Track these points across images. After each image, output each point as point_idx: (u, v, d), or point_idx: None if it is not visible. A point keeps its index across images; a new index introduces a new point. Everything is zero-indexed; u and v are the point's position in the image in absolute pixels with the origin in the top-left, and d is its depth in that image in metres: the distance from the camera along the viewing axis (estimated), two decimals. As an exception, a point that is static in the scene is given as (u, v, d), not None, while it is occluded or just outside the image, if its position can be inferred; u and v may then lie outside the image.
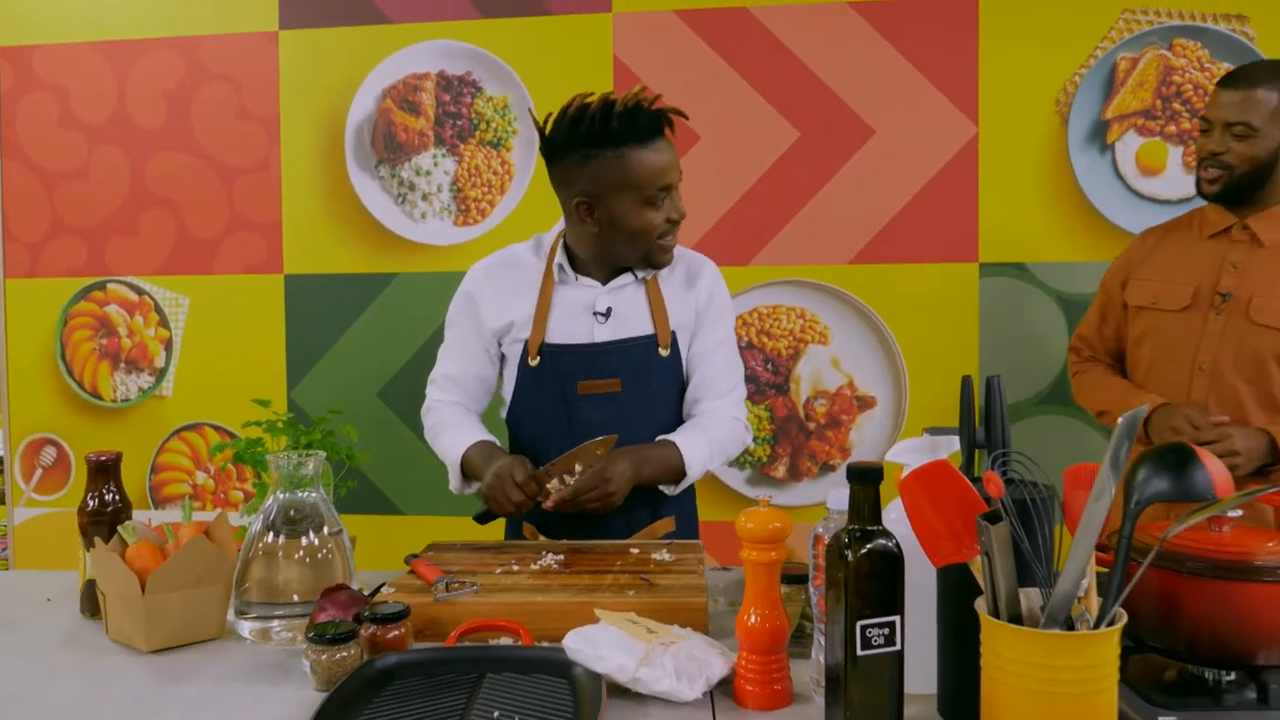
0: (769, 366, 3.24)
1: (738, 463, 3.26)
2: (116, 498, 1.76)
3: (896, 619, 1.17)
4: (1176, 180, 3.06)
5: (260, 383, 3.34)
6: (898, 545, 1.18)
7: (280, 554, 1.65)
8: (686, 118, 2.08)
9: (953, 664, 1.27)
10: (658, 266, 2.12)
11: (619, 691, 1.37)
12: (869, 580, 1.16)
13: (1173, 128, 3.05)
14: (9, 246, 3.49)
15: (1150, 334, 2.41)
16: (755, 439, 3.23)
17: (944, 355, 3.14)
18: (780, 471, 3.25)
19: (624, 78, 3.22)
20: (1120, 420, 1.07)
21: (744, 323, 3.24)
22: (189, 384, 3.45)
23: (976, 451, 1.39)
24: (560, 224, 2.17)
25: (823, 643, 1.26)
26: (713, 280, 2.21)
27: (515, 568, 1.80)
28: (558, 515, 1.99)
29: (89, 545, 1.70)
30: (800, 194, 3.20)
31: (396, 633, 1.48)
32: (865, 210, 3.18)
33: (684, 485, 2.14)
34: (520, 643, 1.54)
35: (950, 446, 1.41)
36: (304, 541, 1.66)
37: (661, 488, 2.12)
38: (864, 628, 1.16)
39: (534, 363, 2.10)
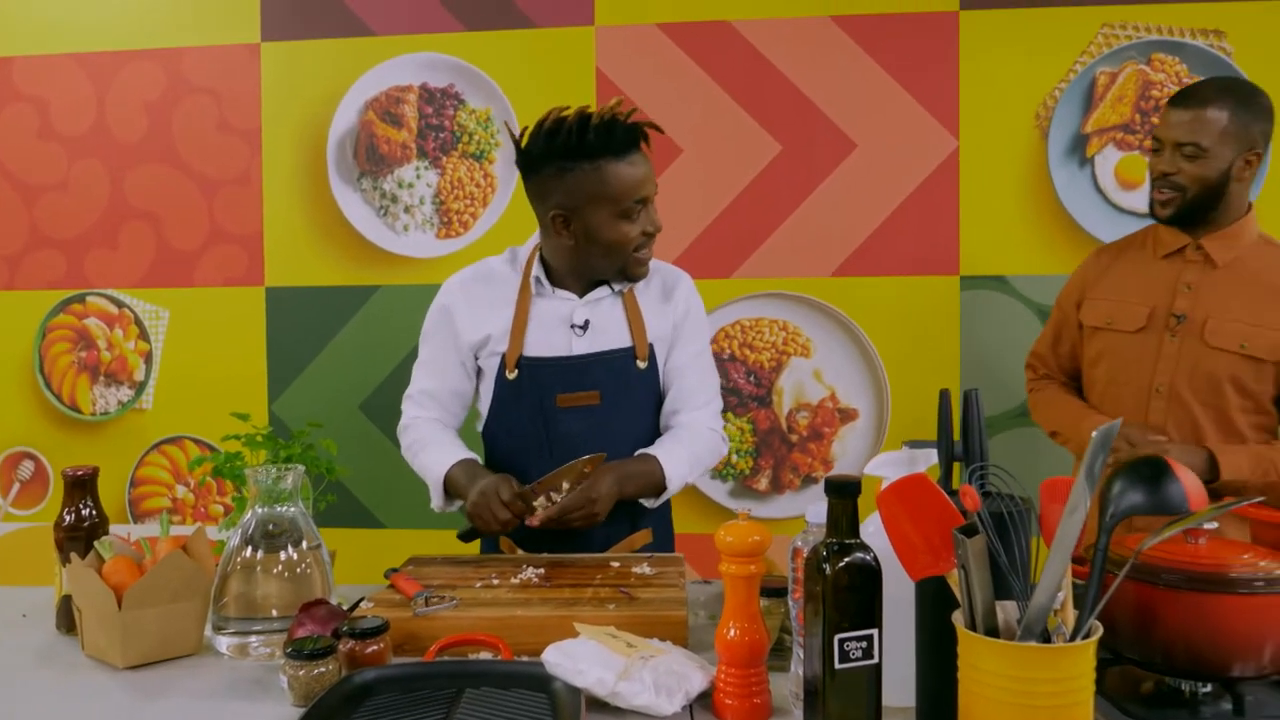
0: (751, 379, 3.24)
1: (720, 475, 3.26)
2: (93, 513, 1.75)
3: (874, 632, 1.17)
4: (1155, 193, 3.07)
5: (241, 396, 3.33)
6: (875, 559, 1.18)
7: (259, 569, 1.64)
8: (662, 131, 2.08)
9: (931, 677, 1.27)
10: (633, 279, 2.12)
11: (598, 705, 1.36)
12: (847, 593, 1.16)
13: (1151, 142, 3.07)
14: (-12, 259, 3.48)
15: (1106, 355, 2.39)
16: (738, 451, 3.24)
17: (925, 367, 3.15)
18: (762, 484, 3.26)
19: (606, 90, 3.22)
20: (1094, 434, 1.08)
21: (726, 335, 3.24)
22: (169, 397, 3.43)
23: (955, 464, 1.39)
24: (536, 237, 2.17)
25: (801, 656, 1.26)
26: (689, 293, 2.22)
27: (495, 582, 1.80)
28: (534, 528, 1.99)
29: (65, 560, 1.69)
30: (782, 207, 3.20)
31: (375, 648, 1.47)
32: (847, 223, 3.19)
33: (664, 498, 2.14)
34: (499, 657, 1.54)
35: (928, 460, 1.42)
36: (283, 556, 1.65)
37: (642, 501, 2.12)
38: (842, 641, 1.16)
39: (512, 376, 2.10)
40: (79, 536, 1.72)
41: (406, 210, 3.32)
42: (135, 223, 3.41)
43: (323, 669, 1.42)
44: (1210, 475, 2.15)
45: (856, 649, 1.16)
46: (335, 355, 3.35)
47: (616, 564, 1.91)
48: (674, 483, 2.10)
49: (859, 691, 1.17)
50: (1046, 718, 1.08)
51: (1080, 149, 3.10)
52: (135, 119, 3.39)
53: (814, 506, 1.33)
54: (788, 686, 1.39)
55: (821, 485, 1.21)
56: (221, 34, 3.35)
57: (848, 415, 3.23)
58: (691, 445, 2.15)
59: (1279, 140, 2.99)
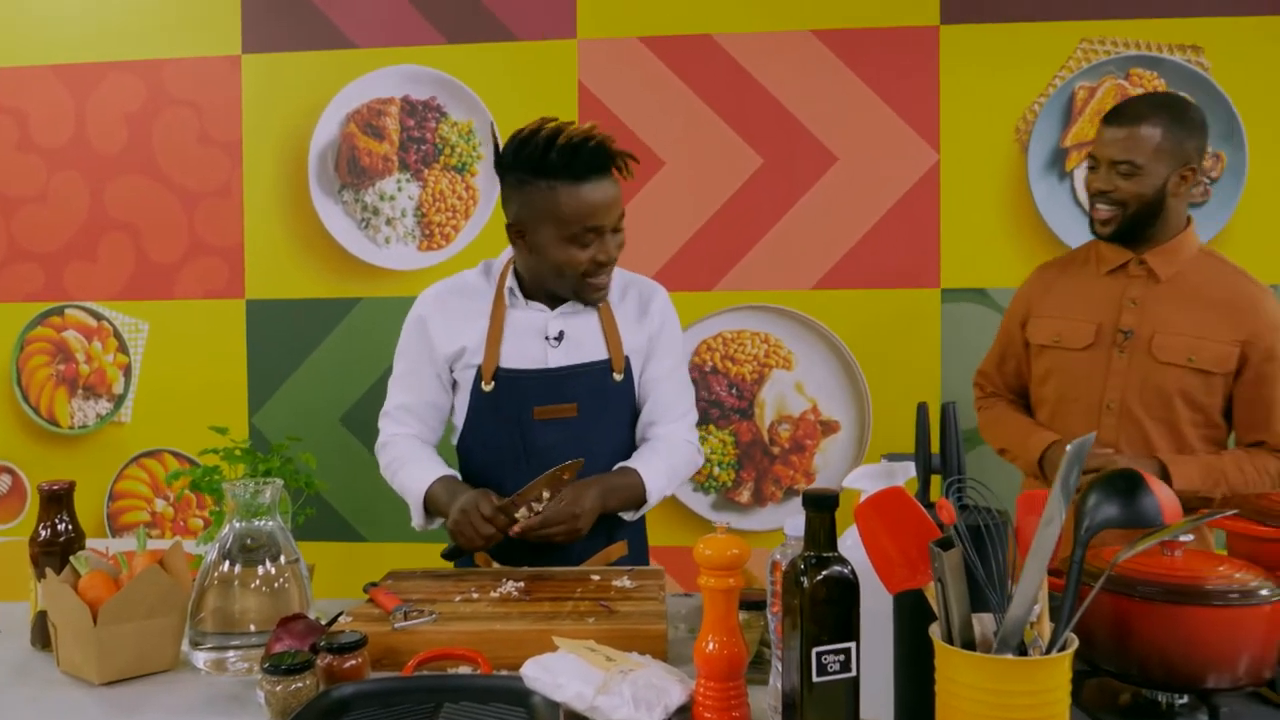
0: (733, 391, 3.25)
1: (702, 488, 3.26)
2: (69, 527, 1.74)
3: (852, 645, 1.17)
4: (1134, 207, 3.09)
5: (221, 408, 3.32)
6: (853, 572, 1.18)
7: (236, 583, 1.63)
8: (636, 161, 2.04)
9: (909, 690, 1.27)
10: (586, 304, 2.11)
11: (577, 720, 1.36)
12: (824, 607, 1.16)
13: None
14: (-34, 271, 3.46)
15: (1055, 372, 2.38)
16: (720, 464, 3.24)
17: (907, 380, 3.16)
18: (744, 496, 3.26)
19: (589, 104, 3.23)
20: (1069, 447, 1.08)
21: (708, 347, 3.24)
22: (148, 410, 3.42)
23: (933, 478, 1.40)
24: (510, 249, 2.17)
25: (780, 669, 1.26)
26: (665, 306, 2.22)
27: (475, 595, 1.79)
28: (511, 541, 1.98)
29: (40, 576, 1.68)
30: (764, 220, 3.21)
31: (353, 662, 1.46)
32: (828, 236, 3.20)
33: (643, 511, 2.15)
34: (478, 671, 1.53)
35: (906, 473, 1.42)
36: (260, 570, 1.64)
37: (621, 514, 2.12)
38: (819, 654, 1.16)
39: (488, 388, 2.09)
40: (54, 551, 1.71)
41: (388, 223, 3.31)
42: (115, 235, 3.40)
43: (300, 684, 1.41)
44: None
45: (834, 662, 1.16)
46: (316, 368, 3.34)
47: (597, 577, 1.90)
48: (654, 496, 2.10)
49: (837, 704, 1.17)
50: (1023, 730, 1.08)
51: (1060, 162, 3.12)
52: (115, 131, 3.38)
53: (792, 520, 1.33)
54: (767, 700, 1.39)
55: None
56: (202, 46, 3.34)
57: (829, 427, 3.24)
58: (669, 458, 2.15)
59: (1258, 155, 3.03)
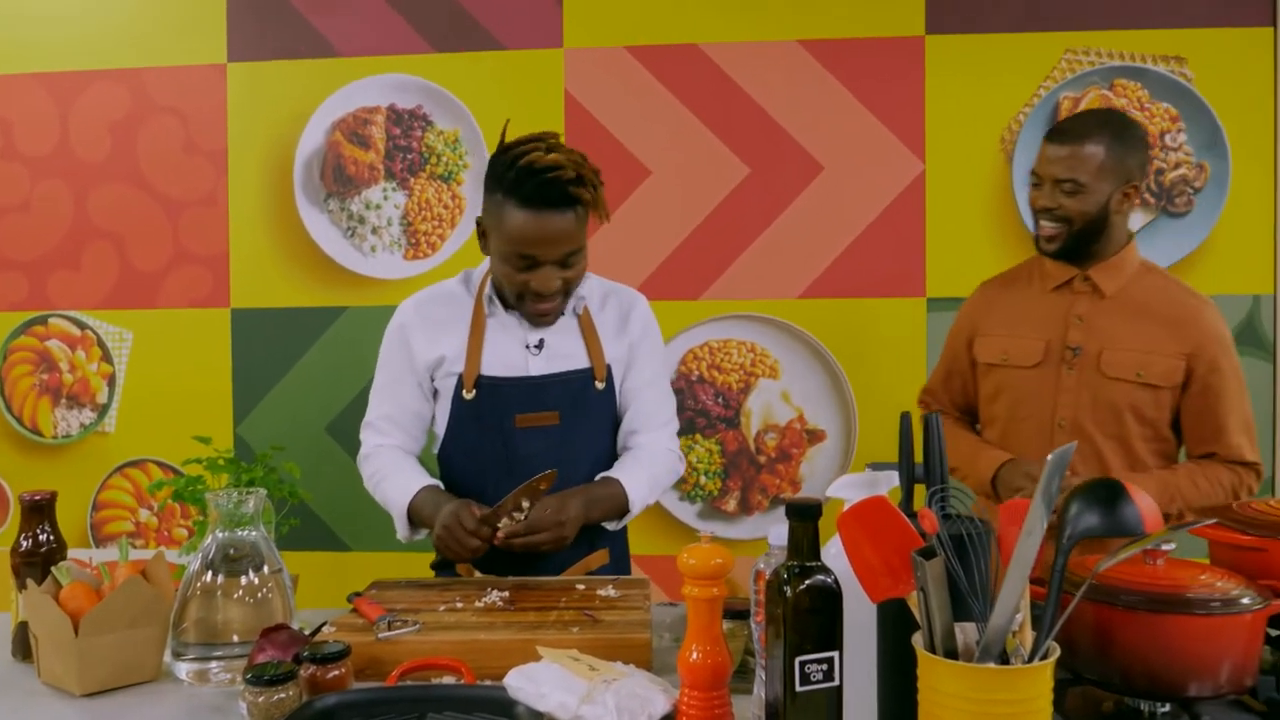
0: (719, 400, 3.25)
1: (689, 496, 3.26)
2: (51, 538, 1.73)
3: (835, 654, 1.17)
4: (1118, 216, 3.11)
5: (206, 418, 3.30)
6: (836, 581, 1.18)
7: (219, 593, 1.62)
8: (588, 203, 1.98)
9: (892, 698, 1.27)
10: (532, 324, 2.10)
11: (560, 730, 1.35)
12: (808, 616, 1.16)
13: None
14: (-51, 280, 3.45)
15: (1004, 391, 2.36)
16: (706, 473, 3.24)
17: (892, 389, 3.16)
18: (731, 505, 3.26)
19: (575, 113, 3.23)
20: (1050, 457, 1.09)
21: (695, 356, 3.25)
22: (132, 420, 3.40)
23: (916, 487, 1.40)
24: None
25: (763, 678, 1.26)
26: (645, 315, 2.22)
27: (459, 605, 1.79)
28: (494, 551, 1.98)
29: (21, 586, 1.67)
30: (750, 229, 3.22)
31: (336, 673, 1.45)
32: (814, 245, 3.21)
33: (625, 521, 2.16)
34: (462, 681, 1.53)
35: (890, 482, 1.42)
36: (243, 581, 1.64)
37: (604, 524, 2.12)
38: (803, 663, 1.16)
39: (470, 396, 2.09)
40: (36, 562, 1.70)
41: (374, 231, 3.31)
42: (99, 243, 3.39)
43: (283, 695, 1.40)
44: None
45: (817, 671, 1.16)
46: (301, 377, 3.33)
47: (581, 587, 1.90)
48: (636, 506, 2.11)
49: (820, 714, 1.17)
50: (1005, 739, 1.08)
51: (1044, 172, 3.13)
52: (99, 139, 3.38)
53: (776, 529, 1.32)
54: (750, 709, 1.39)
55: (787, 507, 1.21)
56: (187, 54, 3.34)
57: (815, 436, 3.24)
58: (651, 467, 2.16)
59: (1241, 165, 3.05)
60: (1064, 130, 2.25)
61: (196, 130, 3.35)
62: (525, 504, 1.93)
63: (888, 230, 3.18)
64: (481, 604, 1.79)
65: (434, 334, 2.12)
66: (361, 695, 1.43)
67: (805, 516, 1.19)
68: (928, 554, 1.11)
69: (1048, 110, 3.13)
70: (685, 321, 3.23)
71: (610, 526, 2.14)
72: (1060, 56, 3.13)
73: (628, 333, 2.17)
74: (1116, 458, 2.26)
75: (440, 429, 2.17)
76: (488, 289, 2.12)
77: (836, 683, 1.17)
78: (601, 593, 1.85)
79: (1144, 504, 1.13)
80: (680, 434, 3.20)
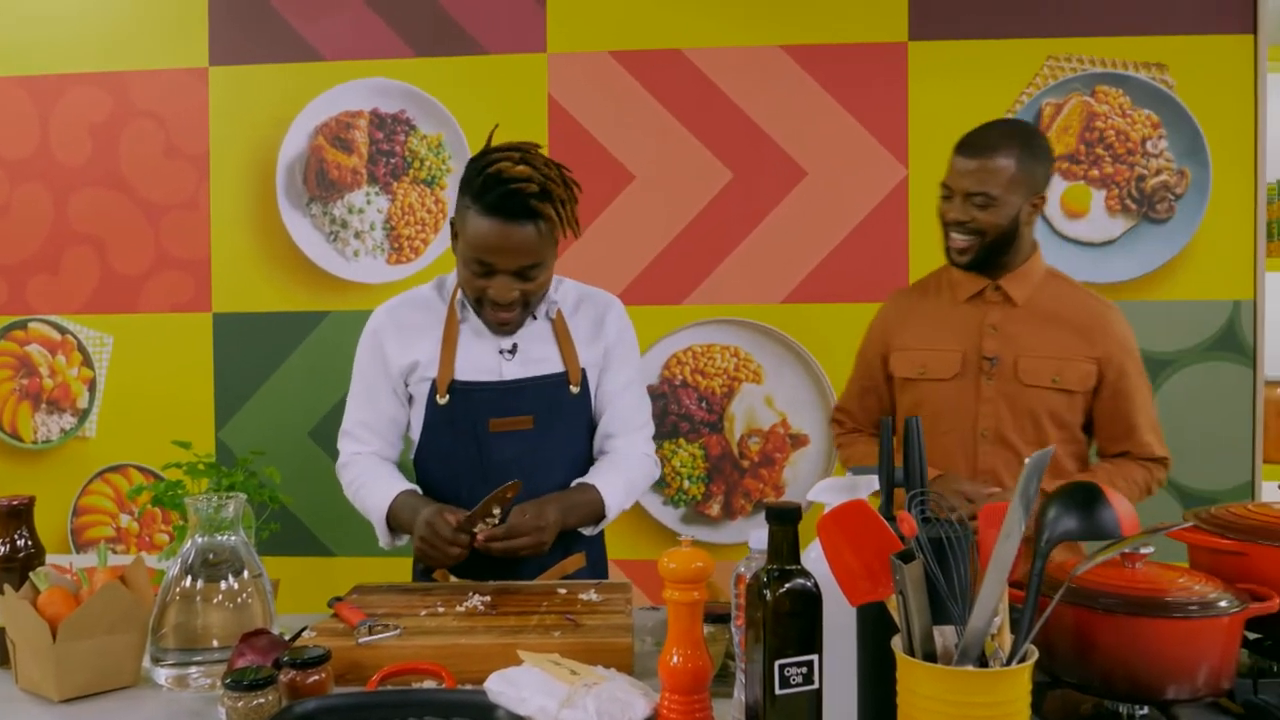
0: (703, 405, 3.25)
1: (672, 501, 3.26)
2: (29, 543, 1.73)
3: (815, 658, 1.17)
4: (1100, 223, 3.13)
5: (187, 423, 3.29)
6: (816, 585, 1.18)
7: (198, 599, 1.62)
8: (552, 218, 1.97)
9: (872, 702, 1.27)
10: (492, 331, 2.10)
11: (541, 734, 1.35)
12: (787, 619, 1.17)
13: (1096, 172, 3.13)
14: (-72, 284, 3.42)
15: (924, 404, 2.34)
16: (690, 477, 3.24)
17: (875, 393, 3.16)
18: (714, 510, 3.26)
19: (559, 117, 3.23)
20: (1028, 460, 1.09)
21: (678, 361, 3.25)
22: (113, 425, 3.38)
23: (896, 491, 1.40)
24: None
25: (744, 682, 1.26)
26: (620, 319, 2.23)
27: (441, 610, 1.78)
28: (473, 555, 1.97)
29: (-1, 592, 1.66)
30: (733, 234, 3.22)
31: (316, 677, 1.45)
32: (798, 250, 3.21)
33: (602, 526, 2.16)
34: (443, 686, 1.52)
35: (870, 486, 1.43)
36: (223, 586, 1.63)
37: (580, 529, 2.13)
38: (782, 667, 1.16)
39: (443, 401, 2.09)
40: (13, 568, 1.70)
41: (357, 236, 3.30)
42: (79, 248, 3.37)
43: (262, 700, 1.40)
44: None
45: (797, 674, 1.17)
46: (283, 382, 3.32)
47: (563, 591, 1.90)
48: (613, 512, 2.12)
49: (800, 717, 1.17)
50: (984, 742, 1.09)
51: (1026, 178, 3.14)
52: (80, 142, 3.36)
53: (756, 533, 1.33)
54: (731, 712, 1.39)
55: (771, 512, 1.21)
56: (168, 58, 3.33)
57: (799, 441, 3.25)
58: (627, 472, 2.16)
59: (1221, 172, 3.07)
60: (973, 143, 2.24)
61: (178, 134, 3.34)
62: (496, 511, 1.93)
63: (871, 235, 3.19)
64: (463, 608, 1.79)
65: (407, 339, 2.13)
66: (341, 700, 1.42)
67: (785, 520, 1.19)
68: (906, 557, 1.12)
69: (1030, 117, 3.14)
70: (669, 326, 3.23)
71: (587, 532, 2.14)
72: (1042, 63, 3.14)
73: (602, 337, 2.18)
74: None
75: (415, 434, 2.18)
76: (460, 294, 2.12)
77: (816, 686, 1.18)
78: (583, 597, 1.85)
79: (1121, 507, 1.14)
80: (664, 438, 3.22)
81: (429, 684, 1.54)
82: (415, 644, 1.61)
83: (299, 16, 3.29)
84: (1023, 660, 1.10)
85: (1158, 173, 3.11)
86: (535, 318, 2.13)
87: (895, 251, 3.18)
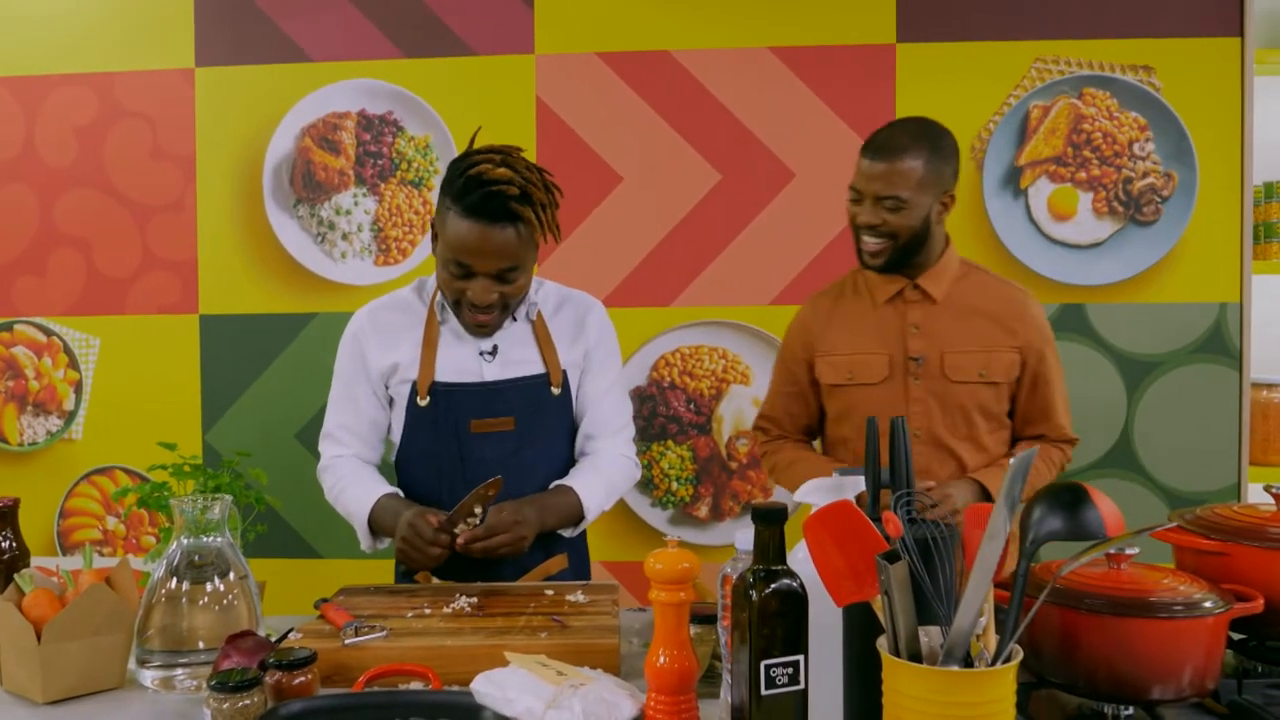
0: (691, 407, 3.25)
1: (660, 503, 3.26)
2: (13, 545, 1.72)
3: (800, 658, 1.18)
4: (1087, 225, 3.13)
5: (174, 425, 3.28)
6: (802, 585, 1.18)
7: (184, 600, 1.61)
8: (531, 221, 1.97)
9: (857, 702, 1.27)
10: (470, 333, 2.11)
11: (527, 736, 1.35)
12: (773, 620, 1.17)
13: (1083, 174, 3.14)
14: (-87, 285, 3.40)
15: (853, 409, 2.31)
16: (678, 479, 3.24)
17: (863, 395, 3.17)
18: (703, 511, 3.26)
19: (547, 119, 3.23)
20: (1012, 461, 1.09)
21: (666, 363, 3.25)
22: (99, 427, 3.37)
23: (882, 491, 1.41)
24: None
25: (730, 682, 1.26)
26: (601, 320, 2.23)
27: (427, 611, 1.78)
28: (455, 557, 1.97)
29: (-17, 594, 1.65)
30: (722, 235, 3.22)
31: (302, 679, 1.44)
32: (786, 251, 3.22)
33: (581, 528, 2.18)
34: (429, 687, 1.52)
35: (857, 487, 1.43)
36: (209, 587, 1.63)
37: (560, 531, 2.14)
38: (768, 667, 1.16)
39: (424, 403, 2.09)
40: (-2, 569, 1.69)
41: (344, 237, 3.29)
42: (65, 249, 3.36)
43: (247, 701, 1.39)
44: (986, 501, 2.18)
45: (783, 675, 1.17)
46: (270, 384, 3.31)
47: (550, 592, 1.90)
48: (592, 513, 2.13)
49: (785, 717, 1.17)
50: (969, 742, 1.09)
51: (1014, 181, 3.16)
52: (66, 143, 3.34)
53: (742, 533, 1.33)
54: (717, 713, 1.39)
55: (762, 513, 1.21)
56: (155, 59, 3.31)
57: (787, 443, 3.24)
58: (607, 474, 2.17)
59: (1208, 174, 3.08)
60: (881, 146, 2.21)
61: (164, 135, 3.33)
62: (477, 510, 1.93)
63: (859, 237, 3.19)
64: (450, 610, 1.79)
65: (387, 341, 2.13)
66: (327, 701, 1.42)
67: (771, 521, 1.19)
68: (892, 558, 1.12)
69: (1018, 119, 3.15)
70: (657, 328, 3.23)
71: (566, 534, 2.15)
72: (1030, 65, 3.15)
73: (583, 338, 2.18)
74: (972, 459, 2.27)
75: (396, 437, 2.18)
76: (440, 296, 2.12)
77: (802, 686, 1.18)
78: (570, 598, 1.85)
79: (1106, 508, 1.14)
80: (652, 440, 3.22)
81: (416, 685, 1.54)
82: (402, 645, 1.61)
83: (286, 17, 3.28)
84: (1007, 660, 1.11)
85: (1144, 175, 3.12)
86: (515, 319, 2.13)
87: (883, 253, 3.18)
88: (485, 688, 1.39)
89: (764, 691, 1.16)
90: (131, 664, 1.63)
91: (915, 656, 1.13)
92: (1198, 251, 3.11)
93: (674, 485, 3.25)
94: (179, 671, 1.59)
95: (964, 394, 2.25)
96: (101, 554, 3.31)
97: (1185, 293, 3.11)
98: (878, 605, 1.16)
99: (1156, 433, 3.13)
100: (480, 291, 1.99)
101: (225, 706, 1.39)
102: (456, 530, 1.93)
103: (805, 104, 3.20)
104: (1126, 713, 1.36)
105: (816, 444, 2.49)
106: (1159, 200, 3.12)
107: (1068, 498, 1.16)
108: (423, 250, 3.29)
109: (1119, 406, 3.14)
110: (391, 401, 2.17)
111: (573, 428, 2.21)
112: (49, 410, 3.38)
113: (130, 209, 3.34)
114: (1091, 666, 1.31)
